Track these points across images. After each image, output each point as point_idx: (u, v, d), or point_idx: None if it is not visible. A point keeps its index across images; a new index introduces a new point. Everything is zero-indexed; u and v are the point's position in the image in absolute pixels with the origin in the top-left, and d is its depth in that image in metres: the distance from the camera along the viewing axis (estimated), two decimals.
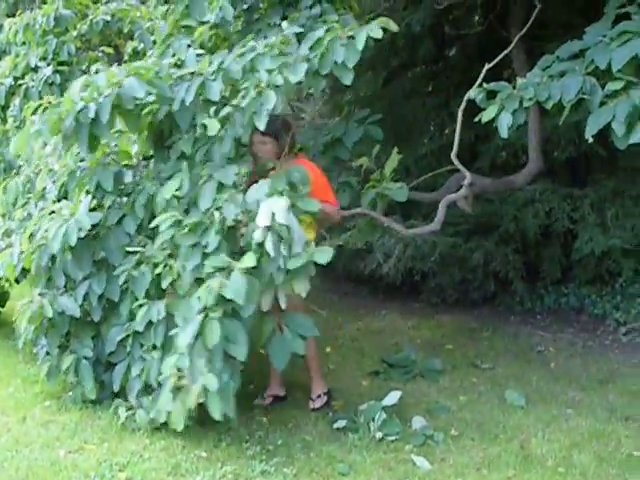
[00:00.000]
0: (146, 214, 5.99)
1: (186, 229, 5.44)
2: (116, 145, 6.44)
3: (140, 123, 6.08)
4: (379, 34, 5.69)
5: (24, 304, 6.13)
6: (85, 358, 6.06)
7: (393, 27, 5.77)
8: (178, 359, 5.20)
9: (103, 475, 5.05)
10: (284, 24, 6.14)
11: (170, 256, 5.69)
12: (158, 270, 5.69)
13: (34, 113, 6.40)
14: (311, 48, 5.83)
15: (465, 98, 6.25)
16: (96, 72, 6.31)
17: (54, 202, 6.40)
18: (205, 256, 5.36)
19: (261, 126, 5.57)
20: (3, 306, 8.53)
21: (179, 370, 5.17)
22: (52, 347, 6.21)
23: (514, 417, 5.97)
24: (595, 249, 8.38)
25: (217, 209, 5.44)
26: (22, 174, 7.66)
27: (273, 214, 5.12)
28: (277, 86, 5.60)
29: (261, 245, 5.13)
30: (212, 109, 5.87)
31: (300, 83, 5.76)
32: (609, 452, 5.34)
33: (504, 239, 8.85)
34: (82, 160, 6.29)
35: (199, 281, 5.35)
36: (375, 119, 6.72)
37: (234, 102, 5.78)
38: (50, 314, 5.92)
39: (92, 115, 5.62)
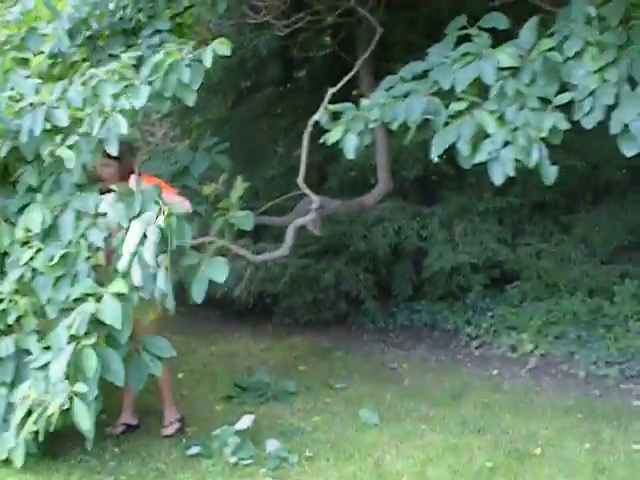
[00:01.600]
0: None
1: (54, 260, 5.34)
2: None
3: None
4: (227, 51, 5.69)
5: None
6: None
7: (226, 51, 5.76)
8: (32, 383, 5.09)
9: None
10: (123, 56, 6.06)
11: (16, 292, 5.55)
12: (3, 306, 5.54)
13: None
14: (152, 71, 5.79)
15: (311, 121, 6.27)
16: None
17: None
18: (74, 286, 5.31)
19: (113, 151, 5.52)
20: None
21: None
22: None
23: (368, 435, 5.99)
24: (444, 266, 8.53)
25: (82, 237, 5.39)
26: None
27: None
28: (122, 110, 5.53)
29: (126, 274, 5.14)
30: (58, 138, 5.74)
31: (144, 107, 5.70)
32: (462, 465, 5.40)
33: (355, 259, 8.93)
34: None
35: (65, 312, 5.28)
36: (222, 148, 6.70)
37: (80, 130, 5.67)
38: None
39: None
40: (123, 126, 5.47)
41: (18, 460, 5.16)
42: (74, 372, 5.00)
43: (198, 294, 5.44)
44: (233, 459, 5.46)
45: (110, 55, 6.48)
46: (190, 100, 5.74)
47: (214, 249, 5.84)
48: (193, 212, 6.11)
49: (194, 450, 5.63)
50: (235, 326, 9.25)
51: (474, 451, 5.64)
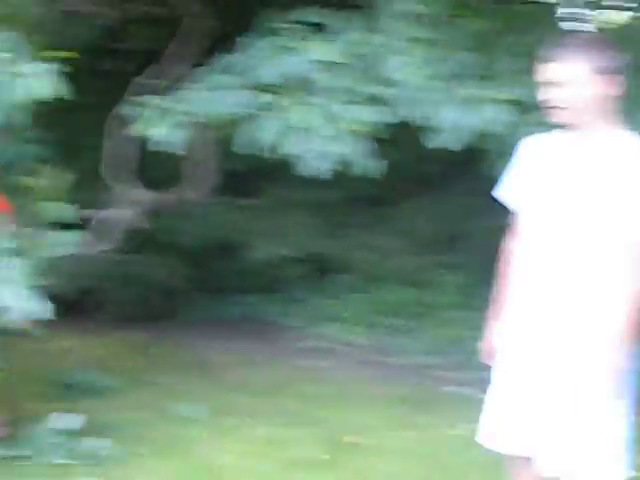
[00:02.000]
0: None
1: None
2: None
3: None
4: None
5: None
6: None
7: None
8: None
9: None
10: None
11: None
12: None
13: None
14: None
15: (113, 112, 6.23)
16: None
17: None
18: None
19: None
20: None
21: None
22: None
23: (192, 430, 5.96)
24: (267, 258, 8.58)
25: None
26: None
27: None
28: None
29: None
30: None
31: None
32: (289, 457, 5.46)
33: (179, 252, 8.84)
34: None
35: None
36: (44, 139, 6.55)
37: None
38: None
39: None
40: None
41: None
42: None
43: None
44: (52, 459, 5.35)
45: None
46: None
47: None
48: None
49: (13, 452, 5.46)
50: (58, 322, 9.02)
51: (299, 443, 5.71)
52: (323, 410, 6.41)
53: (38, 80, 5.49)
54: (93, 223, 7.64)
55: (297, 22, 5.68)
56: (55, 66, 5.52)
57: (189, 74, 6.14)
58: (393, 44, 5.31)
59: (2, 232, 5.35)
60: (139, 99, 5.88)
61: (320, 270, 9.00)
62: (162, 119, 5.63)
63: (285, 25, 5.66)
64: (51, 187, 6.04)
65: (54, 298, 8.71)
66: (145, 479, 5.16)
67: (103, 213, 7.08)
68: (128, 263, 8.70)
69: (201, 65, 5.92)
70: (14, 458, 5.42)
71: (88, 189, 8.21)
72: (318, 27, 5.65)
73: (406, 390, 6.94)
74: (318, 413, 6.34)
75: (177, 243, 8.83)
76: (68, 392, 6.75)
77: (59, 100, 9.74)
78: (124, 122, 6.17)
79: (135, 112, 5.85)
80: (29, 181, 6.19)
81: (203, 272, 9.05)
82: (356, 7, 5.74)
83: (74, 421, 5.71)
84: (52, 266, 5.59)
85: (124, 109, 6.00)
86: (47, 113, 10.13)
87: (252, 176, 9.34)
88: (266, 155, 5.47)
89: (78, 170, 6.95)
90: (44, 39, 5.95)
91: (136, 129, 5.72)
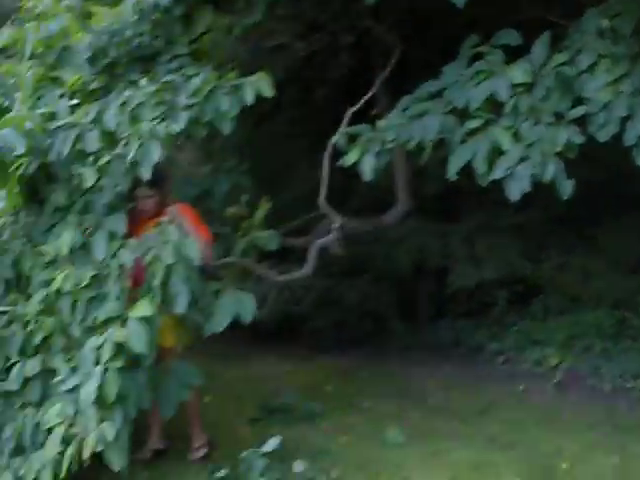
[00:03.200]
0: (14, 272, 5.90)
1: (86, 281, 5.39)
2: None
3: (9, 177, 5.98)
4: (269, 91, 5.86)
5: None
6: None
7: (267, 91, 5.87)
8: (62, 407, 5.12)
9: None
10: (142, 81, 6.12)
11: (42, 312, 5.59)
12: (29, 327, 5.58)
13: None
14: (190, 96, 5.89)
15: (330, 142, 6.30)
16: None
17: None
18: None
19: (146, 176, 5.57)
20: None
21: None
22: None
23: (394, 455, 6.00)
24: (467, 282, 8.52)
25: (113, 257, 5.45)
26: None
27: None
28: (158, 136, 5.60)
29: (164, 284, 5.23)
30: (90, 158, 5.79)
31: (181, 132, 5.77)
32: None
33: (378, 278, 8.94)
34: None
35: (90, 332, 5.33)
36: (243, 168, 6.74)
37: (115, 152, 5.72)
38: None
39: None
40: (156, 153, 5.54)
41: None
42: (103, 397, 5.02)
43: (219, 325, 5.47)
44: None
45: (130, 82, 6.52)
46: (227, 128, 5.82)
47: (237, 270, 5.90)
48: (216, 234, 6.18)
49: (221, 473, 5.64)
50: (261, 348, 9.25)
51: (501, 468, 5.66)
52: (527, 434, 6.34)
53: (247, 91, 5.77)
54: (295, 250, 7.82)
55: (497, 46, 5.68)
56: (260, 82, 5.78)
57: (394, 102, 6.21)
58: (586, 61, 5.25)
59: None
60: (350, 129, 6.00)
61: (521, 293, 8.88)
62: (371, 147, 5.73)
63: (486, 50, 5.67)
64: (254, 216, 6.19)
65: (257, 325, 8.99)
66: None
67: (304, 240, 7.19)
68: (327, 289, 8.83)
69: (408, 92, 5.97)
70: (224, 479, 5.60)
71: (288, 218, 8.42)
72: (517, 49, 5.63)
73: (614, 415, 6.77)
74: (521, 437, 6.27)
75: (374, 268, 8.90)
76: (273, 416, 6.94)
77: (261, 130, 10.06)
78: (333, 151, 6.29)
79: (345, 142, 5.98)
80: (230, 210, 6.38)
81: (401, 296, 9.08)
82: (551, 26, 5.69)
83: (278, 444, 5.82)
84: (255, 294, 5.73)
85: (335, 138, 6.12)
86: (246, 145, 10.48)
87: (448, 199, 9.34)
88: (474, 179, 5.45)
89: (279, 199, 7.14)
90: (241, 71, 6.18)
91: (347, 158, 5.83)
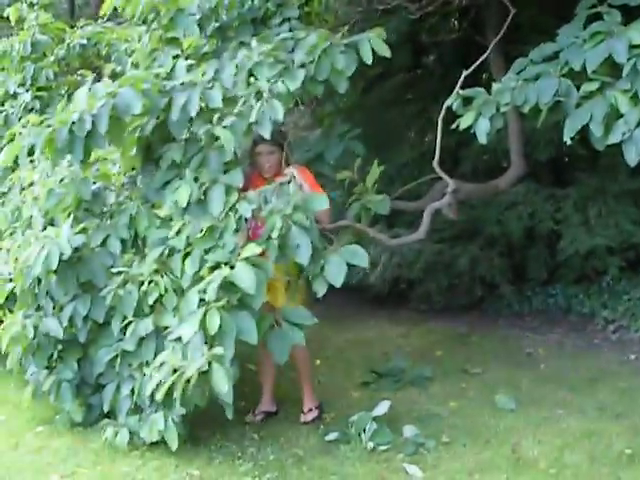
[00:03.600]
0: (130, 233, 6.00)
1: (202, 233, 5.45)
2: (97, 170, 6.42)
3: (126, 139, 6.07)
4: (386, 51, 5.87)
5: (7, 325, 6.16)
6: (67, 381, 6.07)
7: (385, 51, 5.85)
8: (171, 351, 5.25)
9: None
10: (253, 42, 6.13)
11: (156, 272, 5.69)
12: (144, 287, 5.68)
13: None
14: (306, 55, 5.91)
15: (444, 105, 6.24)
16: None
17: (41, 230, 6.40)
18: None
19: (266, 134, 5.60)
20: None
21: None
22: (39, 368, 6.23)
23: (505, 421, 5.96)
24: (579, 249, 8.39)
25: (230, 210, 5.48)
26: (9, 203, 7.66)
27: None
28: (278, 94, 5.65)
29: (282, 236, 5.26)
30: (215, 117, 5.82)
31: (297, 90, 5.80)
32: (601, 451, 5.34)
33: (489, 243, 8.87)
34: (62, 180, 6.26)
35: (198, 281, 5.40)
36: (355, 133, 6.71)
37: (235, 110, 5.76)
38: (31, 335, 5.93)
39: (89, 127, 5.60)
40: (279, 110, 5.57)
41: (173, 443, 5.38)
42: (210, 336, 5.09)
43: (336, 278, 5.41)
44: (371, 444, 5.50)
45: (241, 43, 6.54)
46: (342, 87, 5.83)
47: (350, 234, 5.91)
48: (329, 198, 6.19)
49: (332, 436, 5.70)
50: (371, 312, 9.29)
51: (612, 437, 5.56)
52: (636, 404, 6.22)
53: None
54: (407, 214, 7.80)
55: (614, 6, 5.55)
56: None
57: (507, 66, 6.13)
58: None
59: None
60: (465, 92, 5.94)
61: (634, 260, 8.71)
62: (486, 111, 5.67)
63: (603, 10, 5.55)
64: (366, 180, 6.18)
65: (367, 288, 9.01)
66: (460, 468, 5.19)
67: (416, 204, 7.15)
68: (438, 253, 8.80)
69: (522, 55, 5.89)
70: (335, 442, 5.65)
71: (399, 182, 8.40)
72: (636, 10, 5.50)
73: None
74: (633, 407, 6.15)
75: (486, 233, 8.83)
76: (383, 380, 6.95)
77: (371, 94, 10.03)
78: (447, 114, 6.23)
79: (461, 105, 5.92)
80: (342, 174, 6.37)
81: (512, 262, 9.01)
82: None
83: (388, 408, 5.83)
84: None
85: (450, 101, 6.06)
86: (356, 109, 10.46)
87: (561, 164, 9.20)
88: (589, 142, 5.36)
89: (389, 163, 7.11)
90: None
91: (462, 121, 5.78)
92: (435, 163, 6.39)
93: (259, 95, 5.69)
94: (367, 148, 6.78)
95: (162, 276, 5.66)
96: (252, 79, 5.86)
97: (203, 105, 5.86)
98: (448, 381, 6.93)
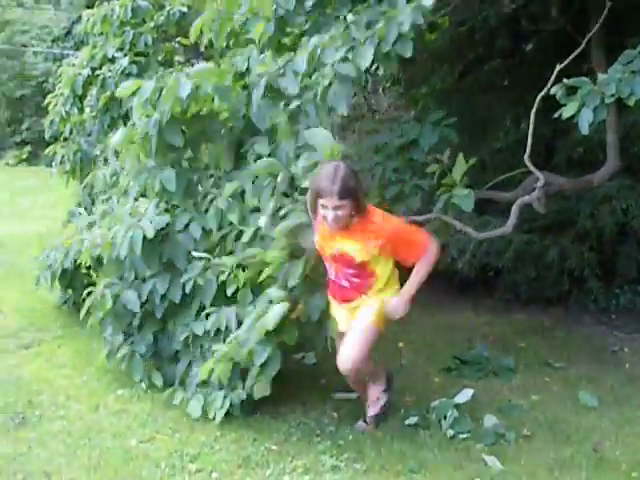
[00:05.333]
0: (219, 224, 6.10)
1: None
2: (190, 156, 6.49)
3: (216, 137, 6.16)
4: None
5: (88, 292, 6.44)
6: (140, 354, 6.32)
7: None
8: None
9: (174, 465, 5.12)
10: (349, 16, 6.06)
11: (238, 266, 5.81)
12: (223, 277, 5.83)
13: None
14: (367, 29, 5.80)
15: (539, 96, 6.14)
16: None
17: (135, 199, 6.51)
18: None
19: (343, 110, 5.57)
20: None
21: None
22: (114, 335, 6.50)
23: (587, 418, 5.89)
24: None
25: None
26: (109, 166, 7.80)
27: None
28: (347, 74, 5.61)
29: None
30: (281, 104, 5.85)
31: (371, 68, 5.73)
32: None
33: (580, 236, 8.73)
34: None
35: None
36: (450, 121, 6.64)
37: (306, 96, 5.76)
38: (109, 305, 6.15)
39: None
40: (350, 91, 5.56)
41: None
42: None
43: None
44: (450, 432, 5.49)
45: (337, 18, 6.49)
46: (408, 50, 5.67)
47: (438, 225, 5.88)
48: (417, 186, 6.15)
49: (412, 420, 5.69)
50: (455, 298, 9.22)
51: None
52: None
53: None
54: (497, 202, 7.72)
55: None
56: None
57: (608, 57, 6.02)
58: None
59: None
60: (570, 81, 5.84)
61: None
62: (590, 101, 5.56)
63: None
64: (454, 173, 6.12)
65: (453, 274, 8.96)
66: (540, 462, 5.15)
67: (508, 195, 7.07)
68: (527, 243, 8.70)
69: (624, 47, 5.77)
70: (414, 427, 5.65)
71: (492, 169, 8.32)
72: None
73: None
74: None
75: (577, 226, 8.70)
76: (465, 367, 6.91)
77: (466, 80, 9.94)
78: (544, 104, 6.14)
79: (564, 94, 5.82)
80: (433, 167, 6.31)
81: (602, 257, 8.87)
82: None
83: (469, 396, 5.82)
84: (455, 242, 5.69)
85: (555, 91, 5.96)
86: (452, 92, 10.38)
87: None
88: None
89: (483, 150, 7.04)
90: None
91: (565, 111, 5.68)
92: (526, 157, 6.30)
93: (329, 78, 5.64)
94: (461, 133, 6.70)
95: (243, 270, 5.77)
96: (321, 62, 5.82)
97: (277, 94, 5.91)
98: (530, 373, 6.86)
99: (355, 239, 5.21)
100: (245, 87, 6.09)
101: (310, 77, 5.87)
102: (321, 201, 5.07)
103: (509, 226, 6.14)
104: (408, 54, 5.68)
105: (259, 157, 5.96)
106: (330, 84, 5.62)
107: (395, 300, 5.33)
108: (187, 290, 6.00)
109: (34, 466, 5.16)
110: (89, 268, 7.08)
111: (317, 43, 5.89)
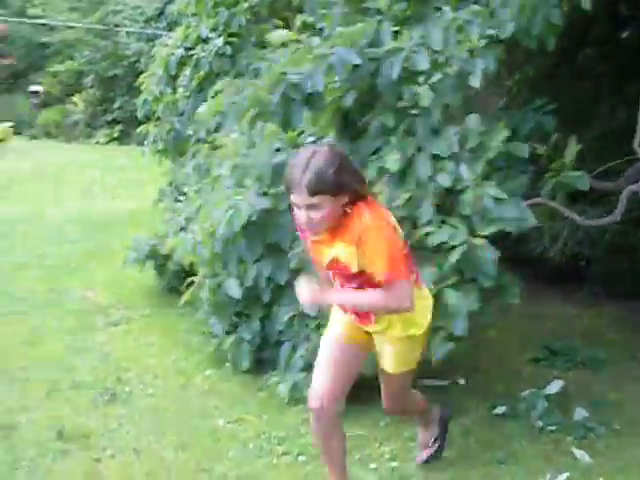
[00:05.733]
0: None
1: (400, 202, 5.39)
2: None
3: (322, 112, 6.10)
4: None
5: (187, 284, 6.52)
6: (247, 341, 6.33)
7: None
8: None
9: (261, 447, 5.19)
10: (445, 8, 5.94)
11: None
12: None
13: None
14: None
15: None
16: None
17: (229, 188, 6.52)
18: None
19: (476, 83, 5.43)
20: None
21: None
22: (220, 326, 6.53)
23: None
24: None
25: (430, 179, 5.40)
26: (201, 152, 7.86)
27: None
28: (488, 44, 5.51)
29: None
30: (420, 79, 5.74)
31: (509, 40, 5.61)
32: None
33: None
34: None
35: None
36: (549, 108, 6.53)
37: (444, 70, 5.65)
38: (207, 296, 6.24)
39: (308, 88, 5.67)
40: (491, 59, 5.44)
41: None
42: None
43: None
44: (539, 423, 5.47)
45: (435, 8, 6.40)
46: (551, 44, 5.58)
47: (544, 211, 5.81)
48: (522, 172, 6.05)
49: (500, 410, 5.68)
50: (545, 287, 9.08)
51: None
52: None
53: None
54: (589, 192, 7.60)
55: None
56: None
57: None
58: None
59: None
60: None
61: None
62: None
63: None
64: (565, 155, 6.04)
65: (544, 262, 8.84)
66: (631, 459, 5.09)
67: (613, 184, 6.96)
68: (623, 234, 8.55)
69: None
70: (502, 417, 5.63)
71: (589, 158, 8.18)
72: None
73: None
74: None
75: None
76: (554, 358, 6.85)
77: (562, 67, 9.79)
78: None
79: None
80: (540, 149, 6.23)
81: None
82: None
83: (559, 388, 5.77)
84: (549, 229, 5.60)
85: None
86: (546, 79, 10.24)
87: None
88: None
89: (579, 139, 6.93)
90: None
91: None
92: (635, 143, 6.18)
93: (470, 53, 5.49)
94: (557, 122, 6.62)
95: None
96: (462, 36, 5.64)
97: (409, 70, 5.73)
98: (621, 367, 6.77)
99: (345, 240, 3.92)
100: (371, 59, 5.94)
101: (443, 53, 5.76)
102: (291, 197, 3.86)
103: (617, 214, 6.06)
104: (550, 47, 5.59)
105: (381, 130, 5.79)
106: (471, 53, 5.49)
107: (322, 291, 4.05)
108: (292, 266, 5.89)
109: (123, 442, 5.28)
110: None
111: (455, 19, 5.74)
